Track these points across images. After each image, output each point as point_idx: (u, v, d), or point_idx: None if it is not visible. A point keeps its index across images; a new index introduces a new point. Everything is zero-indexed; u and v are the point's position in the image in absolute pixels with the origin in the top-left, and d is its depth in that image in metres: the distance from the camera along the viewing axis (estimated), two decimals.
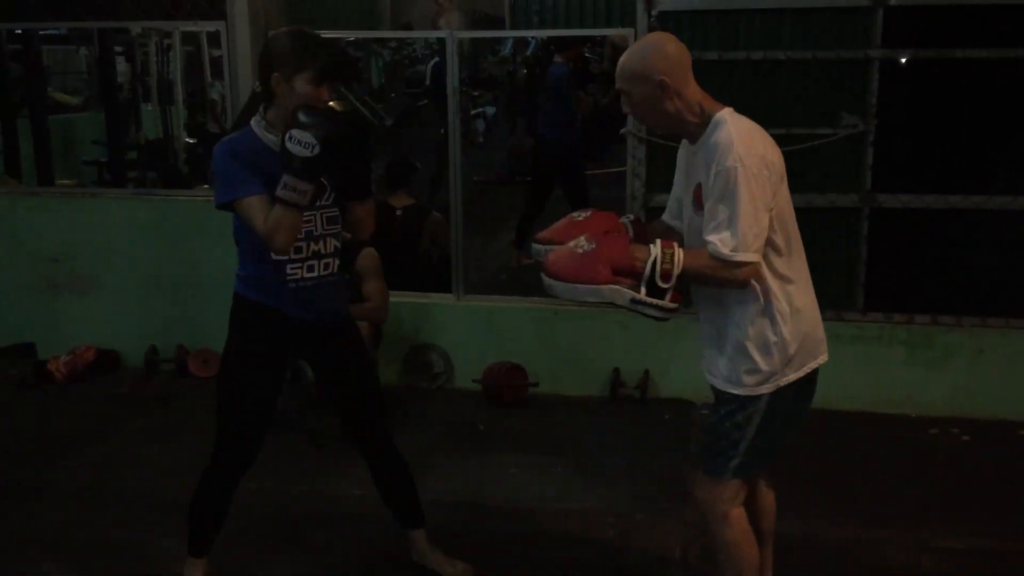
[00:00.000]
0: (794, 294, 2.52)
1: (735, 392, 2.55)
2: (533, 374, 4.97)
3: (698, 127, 2.49)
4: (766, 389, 2.52)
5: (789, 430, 2.65)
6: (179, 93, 6.73)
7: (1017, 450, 4.34)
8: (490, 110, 10.64)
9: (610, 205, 5.85)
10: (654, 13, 4.63)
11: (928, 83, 4.62)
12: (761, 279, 2.45)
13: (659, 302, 2.30)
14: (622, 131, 4.80)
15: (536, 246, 2.59)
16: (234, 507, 3.77)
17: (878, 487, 3.95)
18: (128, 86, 6.85)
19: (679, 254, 2.35)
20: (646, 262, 2.29)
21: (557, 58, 6.73)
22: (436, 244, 5.45)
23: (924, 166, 4.69)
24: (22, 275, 5.53)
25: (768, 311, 2.48)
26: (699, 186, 2.46)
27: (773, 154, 2.43)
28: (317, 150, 2.49)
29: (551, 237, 2.56)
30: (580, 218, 2.58)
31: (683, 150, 2.68)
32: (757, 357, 2.50)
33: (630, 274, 2.32)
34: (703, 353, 2.71)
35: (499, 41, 7.92)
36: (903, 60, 4.58)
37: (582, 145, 6.88)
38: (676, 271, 2.29)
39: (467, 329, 5.11)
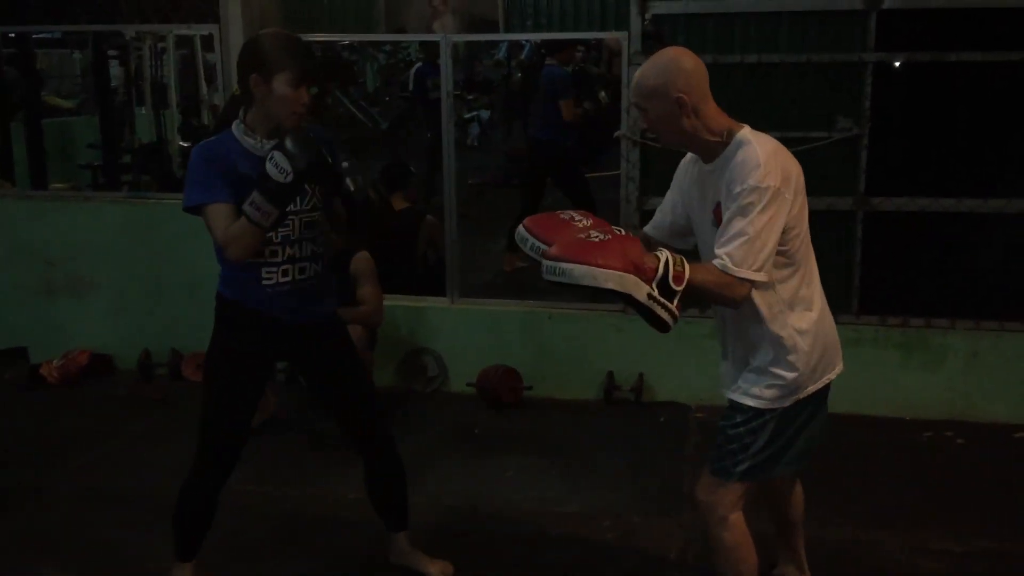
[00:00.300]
0: (813, 308, 2.54)
1: (753, 404, 2.54)
2: (528, 377, 4.97)
3: (717, 145, 2.45)
4: (786, 403, 2.53)
5: (806, 437, 2.63)
6: (173, 96, 6.73)
7: (1012, 453, 4.35)
8: (484, 114, 10.66)
9: (604, 208, 5.87)
10: (648, 16, 4.64)
11: (922, 87, 4.64)
12: (781, 294, 2.47)
13: (670, 304, 2.26)
14: (616, 134, 4.81)
15: (527, 235, 2.42)
16: (232, 509, 3.78)
17: (875, 489, 3.95)
18: (122, 89, 6.85)
19: (685, 260, 2.32)
20: (659, 263, 2.25)
21: (550, 60, 6.72)
22: (432, 247, 5.46)
23: (918, 169, 4.70)
24: (16, 278, 5.52)
25: (788, 327, 2.49)
26: (719, 205, 2.43)
27: (796, 172, 2.41)
28: (291, 178, 2.51)
29: (546, 236, 2.41)
30: (579, 222, 2.47)
31: (691, 167, 2.65)
32: (780, 372, 2.50)
33: (642, 272, 2.26)
34: (721, 369, 2.72)
35: (494, 44, 7.92)
36: (897, 64, 4.60)
37: (576, 146, 6.85)
38: (687, 276, 2.27)
39: (462, 332, 5.11)
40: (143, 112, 6.90)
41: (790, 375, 2.51)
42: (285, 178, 2.51)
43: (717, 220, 2.44)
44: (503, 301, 5.19)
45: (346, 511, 3.79)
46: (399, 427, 4.61)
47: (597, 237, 2.28)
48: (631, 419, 4.77)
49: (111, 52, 6.67)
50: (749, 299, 2.39)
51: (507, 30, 4.98)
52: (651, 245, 2.57)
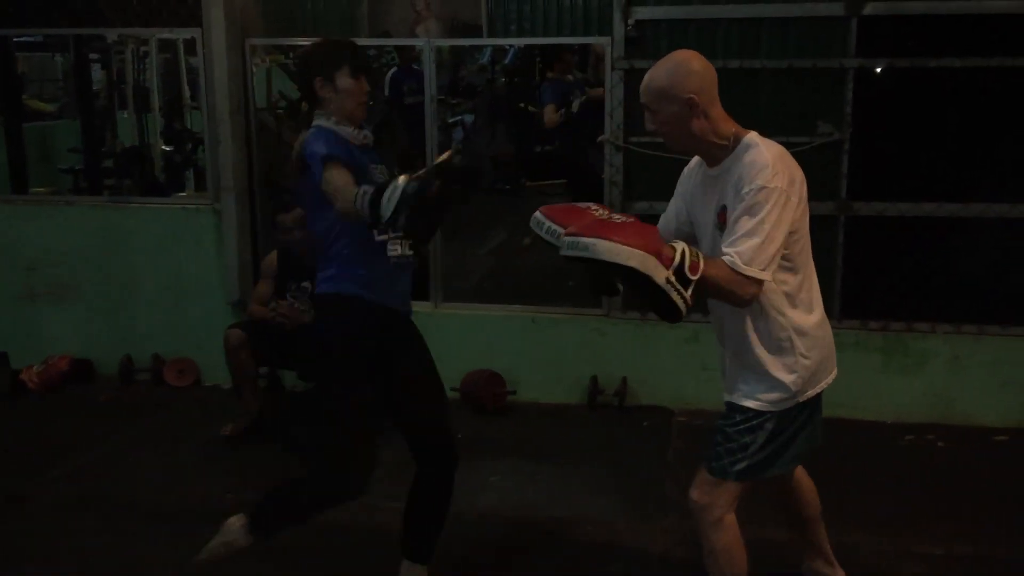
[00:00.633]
0: (813, 312, 2.57)
1: (754, 407, 2.55)
2: (511, 382, 4.96)
3: (723, 149, 2.47)
4: (784, 405, 2.55)
5: (804, 439, 2.66)
6: (156, 100, 6.69)
7: (993, 456, 4.38)
8: (468, 118, 10.64)
9: None
10: (631, 22, 4.66)
11: (903, 92, 4.67)
12: (782, 298, 2.49)
13: (685, 293, 2.24)
14: (599, 139, 4.82)
15: (543, 219, 2.41)
16: (212, 516, 3.75)
17: (856, 493, 3.96)
18: (104, 93, 6.80)
19: (700, 252, 2.32)
20: (675, 252, 2.24)
21: (550, 74, 6.69)
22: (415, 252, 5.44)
23: (899, 174, 4.73)
24: None
25: (789, 329, 2.51)
26: (724, 209, 2.45)
27: (800, 177, 2.44)
28: (387, 217, 2.49)
29: (563, 220, 2.38)
30: (596, 211, 2.43)
31: (695, 172, 2.67)
32: (781, 375, 2.53)
33: (661, 257, 2.24)
34: (722, 374, 2.72)
35: (477, 49, 7.91)
36: (878, 69, 4.63)
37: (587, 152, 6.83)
38: (702, 267, 2.26)
39: (445, 337, 5.07)
40: (125, 116, 6.86)
41: (790, 378, 2.53)
42: (384, 215, 2.50)
43: (721, 223, 2.46)
44: (486, 305, 5.19)
45: (329, 516, 3.76)
46: (382, 433, 4.61)
47: (619, 219, 2.30)
48: (614, 424, 4.77)
49: (93, 56, 6.62)
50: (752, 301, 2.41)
51: (491, 35, 4.98)
52: None
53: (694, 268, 2.23)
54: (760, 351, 2.53)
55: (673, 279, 2.22)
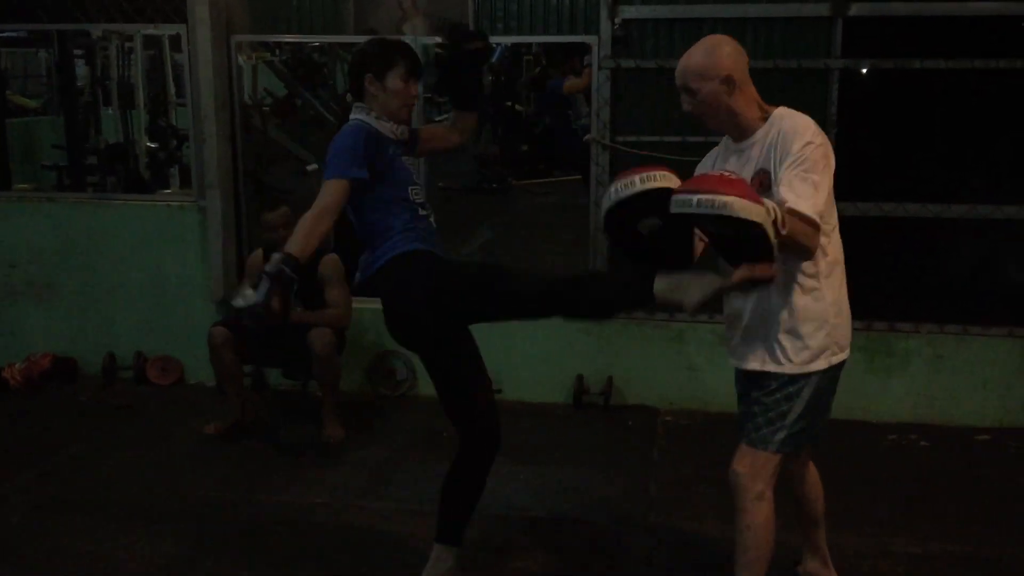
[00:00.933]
0: (840, 274, 2.66)
1: (784, 371, 2.61)
2: (497, 381, 4.92)
3: (757, 122, 2.59)
4: (817, 366, 2.60)
5: (826, 413, 2.72)
6: (140, 97, 6.65)
7: (975, 456, 4.40)
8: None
9: (570, 212, 5.89)
10: (618, 21, 4.66)
11: (887, 93, 4.69)
12: (818, 258, 2.56)
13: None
14: (586, 138, 4.82)
15: (690, 196, 2.28)
16: (200, 514, 3.76)
17: (838, 492, 3.94)
18: (88, 89, 6.76)
19: (784, 211, 2.35)
20: (768, 208, 2.26)
21: (553, 72, 6.63)
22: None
23: (883, 175, 4.75)
24: None
25: (818, 289, 2.59)
26: (761, 172, 2.54)
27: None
28: (243, 306, 2.66)
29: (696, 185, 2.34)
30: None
31: (720, 152, 2.74)
32: (808, 332, 2.58)
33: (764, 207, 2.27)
34: (736, 346, 2.74)
35: None
36: (863, 70, 4.64)
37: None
38: (787, 224, 2.31)
39: None
40: (110, 112, 6.81)
41: (820, 338, 2.59)
42: (243, 303, 2.66)
43: (757, 186, 2.51)
44: None
45: (314, 516, 3.76)
46: (367, 432, 4.62)
47: (733, 174, 2.31)
48: (600, 423, 4.78)
49: (77, 51, 6.58)
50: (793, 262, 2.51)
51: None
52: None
53: (783, 223, 2.30)
54: (789, 313, 2.59)
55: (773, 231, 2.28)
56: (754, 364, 2.67)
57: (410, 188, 2.91)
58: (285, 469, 4.22)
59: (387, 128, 2.91)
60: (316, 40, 5.99)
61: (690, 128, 4.63)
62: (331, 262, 4.56)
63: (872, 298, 4.79)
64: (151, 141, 6.68)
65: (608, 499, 3.93)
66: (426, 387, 5.04)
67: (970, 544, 3.54)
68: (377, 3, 5.30)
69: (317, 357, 4.38)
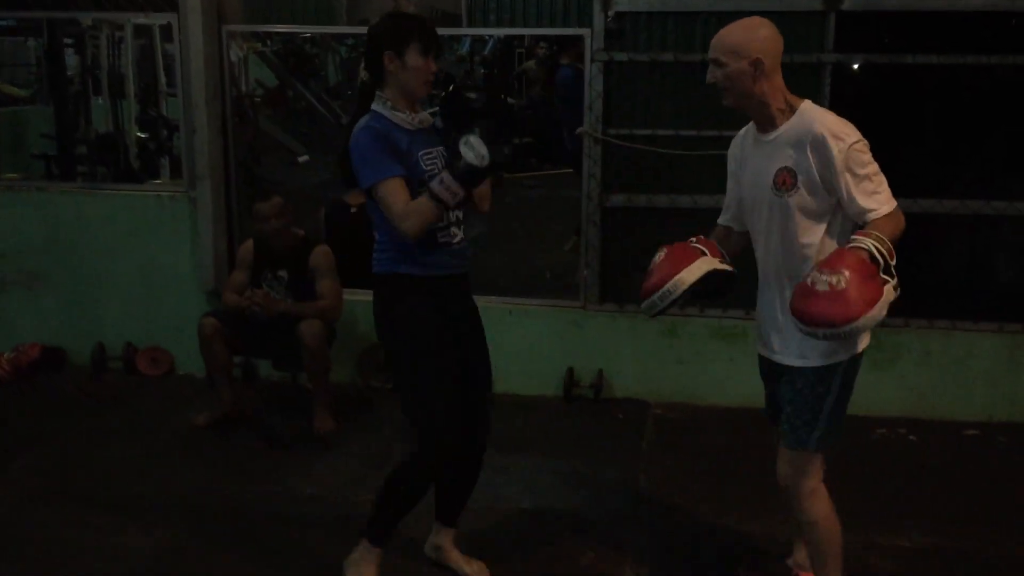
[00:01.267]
0: None
1: (812, 365, 2.63)
2: None
3: (780, 114, 2.60)
4: (841, 357, 2.62)
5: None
6: (131, 87, 6.62)
7: (963, 450, 4.42)
8: None
9: (563, 205, 5.89)
10: (611, 13, 4.65)
11: (879, 88, 4.69)
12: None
13: (896, 280, 2.42)
14: (578, 131, 4.81)
15: (815, 328, 2.41)
16: (189, 507, 3.75)
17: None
18: (78, 79, 6.72)
19: (879, 234, 2.44)
20: (872, 256, 2.37)
21: (564, 59, 6.50)
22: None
23: None
24: None
25: None
26: (784, 170, 2.56)
27: None
28: (486, 162, 2.63)
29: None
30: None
31: (744, 143, 2.76)
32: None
33: (875, 274, 2.38)
34: (765, 338, 2.78)
35: (456, 39, 7.88)
36: (855, 65, 4.65)
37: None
38: (890, 245, 2.41)
39: None
40: (100, 102, 6.78)
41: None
42: (481, 162, 2.63)
43: (779, 185, 2.57)
44: None
45: (304, 507, 3.76)
46: (357, 423, 4.61)
47: (838, 283, 2.34)
48: (590, 416, 4.78)
49: (67, 40, 6.54)
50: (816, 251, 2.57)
51: (470, 25, 4.96)
52: (731, 239, 2.84)
53: (891, 253, 2.40)
54: None
55: (892, 282, 2.40)
56: (783, 358, 2.70)
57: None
58: (275, 460, 4.22)
59: (402, 119, 2.82)
60: (309, 31, 5.97)
61: (683, 122, 4.64)
62: (322, 253, 4.55)
63: None
64: (141, 131, 6.65)
65: (598, 492, 3.94)
66: None
67: (958, 538, 3.55)
68: None
69: (307, 349, 4.37)
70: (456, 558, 3.27)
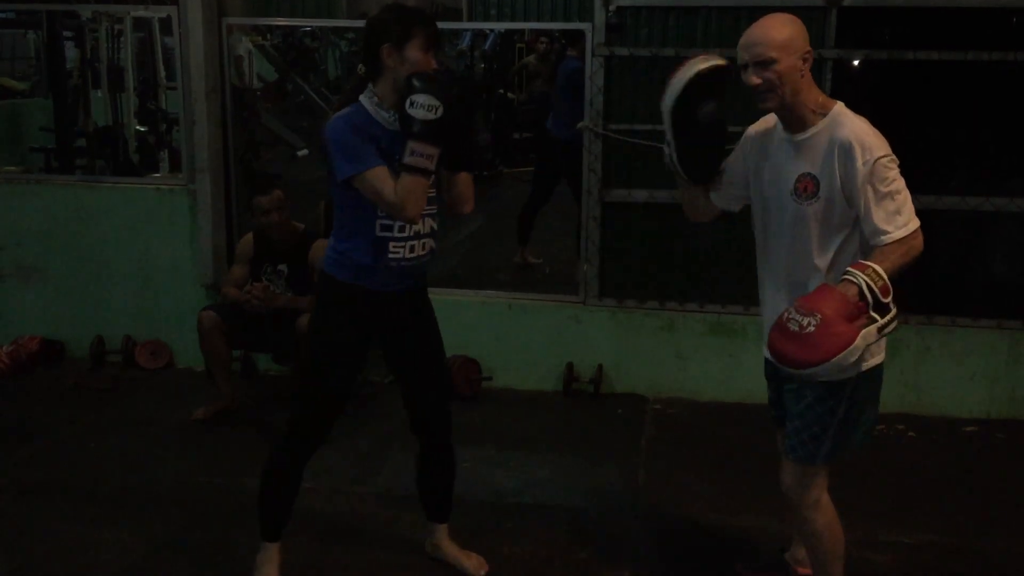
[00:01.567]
0: None
1: (823, 379, 2.52)
2: (487, 368, 4.96)
3: (812, 115, 2.51)
4: (850, 373, 2.51)
5: (869, 416, 2.69)
6: (130, 80, 6.61)
7: (962, 446, 4.42)
8: None
9: (562, 200, 5.88)
10: (612, 8, 4.64)
11: (880, 84, 4.68)
12: (857, 259, 2.51)
13: (892, 314, 2.35)
14: (579, 125, 4.81)
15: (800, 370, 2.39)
16: (186, 500, 3.75)
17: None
18: (78, 72, 6.71)
19: (877, 268, 2.36)
20: (861, 293, 2.31)
21: (571, 51, 6.44)
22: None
23: None
24: None
25: None
26: (807, 176, 2.49)
27: None
28: (441, 111, 2.55)
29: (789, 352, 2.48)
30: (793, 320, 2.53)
31: (768, 135, 2.66)
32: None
33: (859, 314, 2.31)
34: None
35: (457, 34, 7.87)
36: (856, 61, 4.64)
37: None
38: (887, 281, 2.33)
39: None
40: (99, 95, 6.77)
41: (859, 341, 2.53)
42: (436, 113, 2.55)
43: (800, 191, 2.50)
44: (463, 291, 5.18)
45: (300, 501, 3.74)
46: (355, 419, 4.60)
47: (809, 324, 2.30)
48: (589, 411, 4.78)
49: (66, 33, 6.53)
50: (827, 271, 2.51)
51: (471, 19, 4.95)
52: (701, 200, 2.81)
53: (884, 291, 2.33)
54: None
55: (881, 321, 2.33)
56: (792, 371, 2.59)
57: None
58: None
59: (384, 118, 2.71)
60: (309, 24, 5.95)
61: None
62: (322, 247, 4.50)
63: None
64: (141, 124, 6.64)
65: (597, 487, 3.94)
66: None
67: (957, 535, 3.55)
68: None
69: (305, 342, 4.36)
70: (454, 552, 3.28)
